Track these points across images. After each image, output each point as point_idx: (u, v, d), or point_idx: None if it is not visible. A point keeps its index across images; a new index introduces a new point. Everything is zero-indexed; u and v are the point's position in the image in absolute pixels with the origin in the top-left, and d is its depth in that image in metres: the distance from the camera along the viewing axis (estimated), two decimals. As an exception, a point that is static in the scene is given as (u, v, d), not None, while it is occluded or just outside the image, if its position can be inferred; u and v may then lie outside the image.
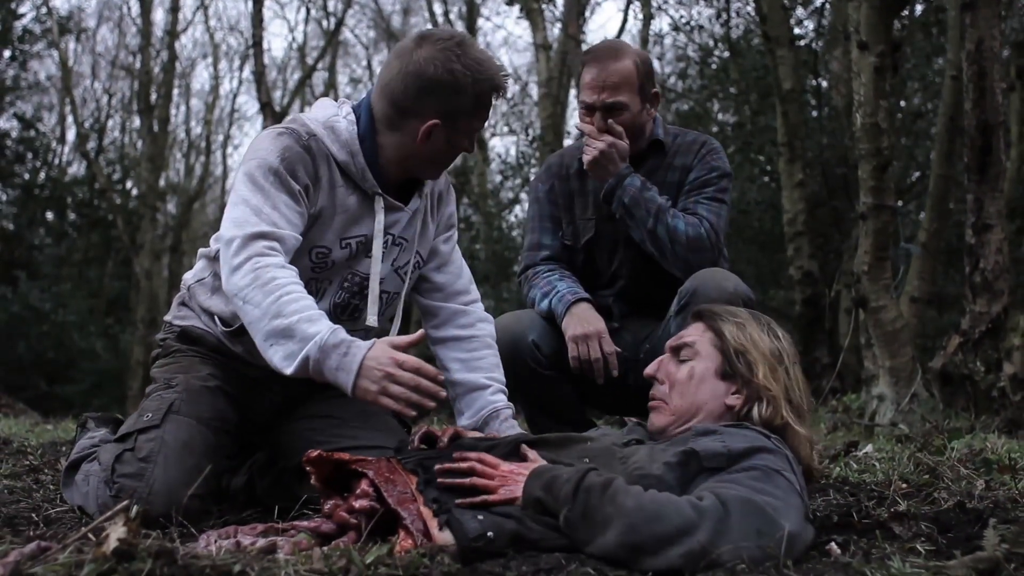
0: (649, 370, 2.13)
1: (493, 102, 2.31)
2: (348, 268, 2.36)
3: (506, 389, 2.56)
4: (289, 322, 2.03)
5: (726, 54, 12.78)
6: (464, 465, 1.81)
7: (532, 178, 3.24)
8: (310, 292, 2.30)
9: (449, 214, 2.60)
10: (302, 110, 22.08)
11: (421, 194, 2.44)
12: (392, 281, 2.45)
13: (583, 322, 2.83)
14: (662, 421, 2.05)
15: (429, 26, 20.74)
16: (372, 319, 2.35)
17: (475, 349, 2.56)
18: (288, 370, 2.04)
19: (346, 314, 2.39)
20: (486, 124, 2.41)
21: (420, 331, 2.10)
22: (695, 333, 2.11)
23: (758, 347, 2.03)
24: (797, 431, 1.97)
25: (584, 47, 13.18)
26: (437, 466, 1.82)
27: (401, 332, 2.51)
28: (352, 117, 2.33)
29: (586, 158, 2.87)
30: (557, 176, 3.09)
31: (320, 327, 2.03)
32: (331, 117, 2.32)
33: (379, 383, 1.99)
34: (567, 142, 13.57)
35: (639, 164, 2.96)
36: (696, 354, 2.07)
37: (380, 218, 2.34)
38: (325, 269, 2.33)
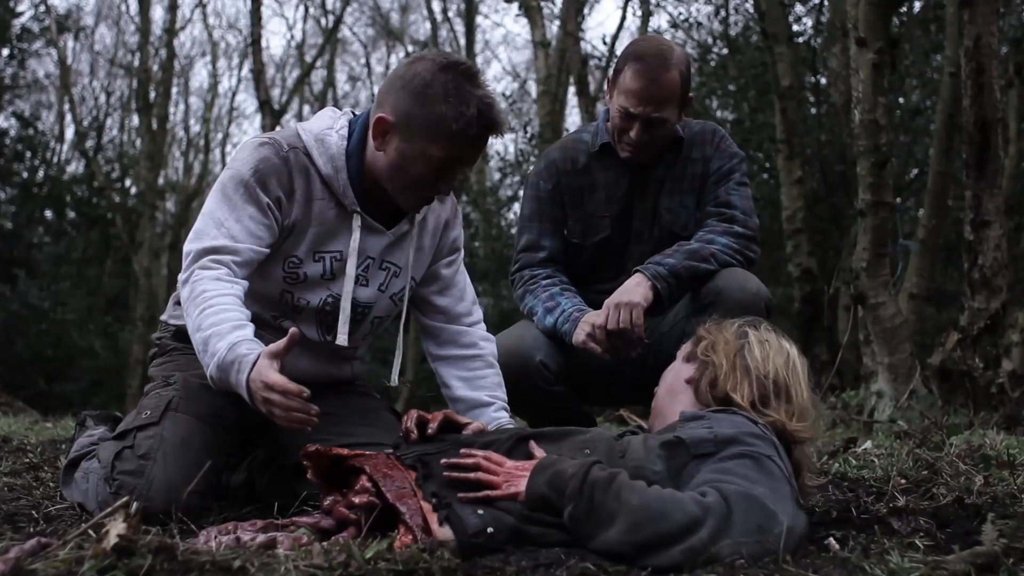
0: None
1: (458, 139, 2.16)
2: (326, 289, 2.35)
3: (508, 407, 2.55)
4: (205, 336, 2.07)
5: (725, 51, 12.79)
6: (470, 461, 1.81)
7: (531, 174, 3.08)
8: (286, 309, 2.34)
9: (454, 239, 2.58)
10: (300, 108, 22.14)
11: (411, 221, 2.42)
12: (384, 306, 2.45)
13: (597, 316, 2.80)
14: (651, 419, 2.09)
15: (428, 25, 20.75)
16: (342, 338, 2.34)
17: (477, 368, 2.55)
18: (213, 386, 2.10)
19: (331, 334, 2.38)
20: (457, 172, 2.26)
21: (292, 330, 2.03)
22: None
23: (721, 330, 2.10)
24: (738, 401, 2.00)
25: (583, 45, 13.20)
26: (443, 460, 1.82)
27: (397, 330, 2.52)
28: (344, 132, 2.32)
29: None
30: (562, 172, 2.99)
31: (221, 344, 2.03)
32: (324, 130, 2.32)
33: (264, 406, 2.00)
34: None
35: (659, 159, 2.95)
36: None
37: (356, 236, 2.32)
38: (298, 282, 2.33)
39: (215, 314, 2.08)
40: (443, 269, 2.57)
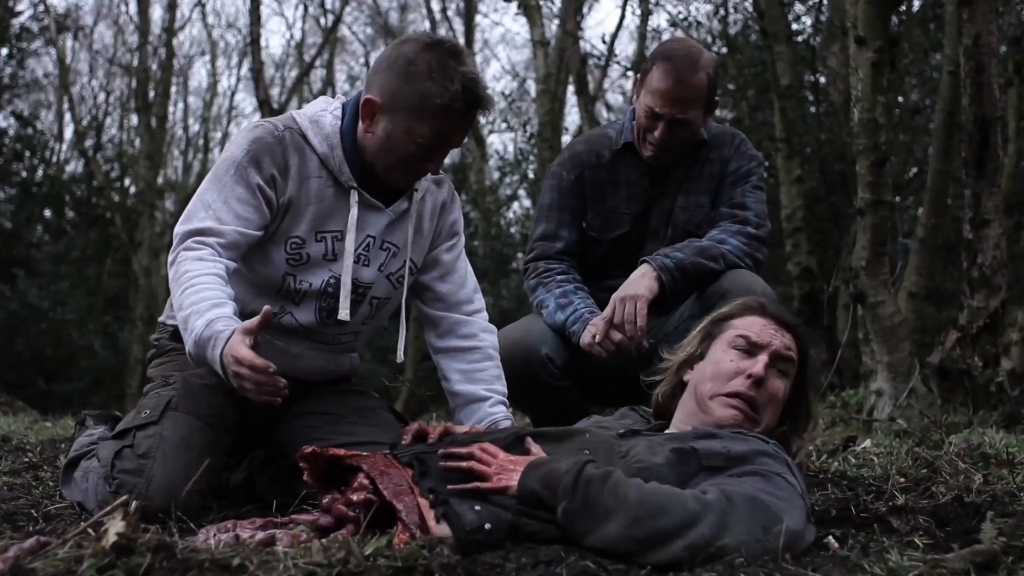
0: (760, 371, 2.02)
1: (446, 115, 2.19)
2: (328, 270, 2.36)
3: (507, 400, 2.55)
4: (185, 315, 2.10)
5: (724, 50, 12.77)
6: (464, 451, 1.82)
7: (553, 164, 3.14)
8: (289, 292, 2.35)
9: (452, 222, 2.59)
10: (300, 107, 22.02)
11: (410, 199, 2.43)
12: (382, 287, 2.45)
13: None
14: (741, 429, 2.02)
15: (427, 23, 20.74)
16: (344, 313, 2.36)
17: (476, 360, 2.56)
18: (192, 363, 2.14)
19: (332, 319, 2.40)
20: (445, 149, 2.28)
21: (265, 308, 2.04)
22: (794, 349, 2.10)
23: (815, 379, 2.13)
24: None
25: (583, 44, 13.19)
26: (440, 450, 1.83)
27: (396, 329, 2.52)
28: (338, 112, 2.36)
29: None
30: (587, 165, 3.01)
31: (200, 321, 2.06)
32: (318, 111, 2.36)
33: (235, 380, 2.02)
34: (565, 139, 13.56)
35: (681, 161, 2.96)
36: (790, 374, 2.09)
37: (354, 212, 2.34)
38: (301, 263, 2.34)
39: (195, 292, 2.10)
40: (443, 254, 2.58)
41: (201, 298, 2.09)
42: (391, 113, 2.23)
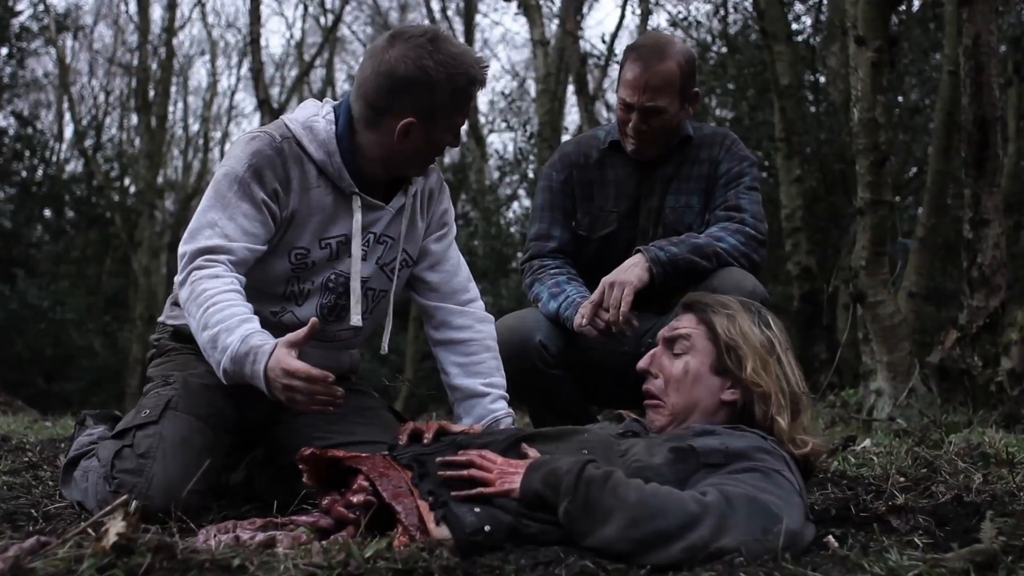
0: (642, 364, 2.11)
1: (473, 95, 2.32)
2: (331, 268, 2.37)
3: (507, 394, 2.55)
4: (212, 333, 2.08)
5: (724, 50, 12.78)
6: (463, 459, 1.82)
7: (545, 166, 3.20)
8: (292, 295, 2.36)
9: (442, 212, 2.60)
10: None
11: (406, 192, 2.44)
12: (378, 279, 2.46)
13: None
14: (661, 422, 2.04)
15: (426, 23, 20.73)
16: (356, 319, 2.37)
17: (474, 353, 2.56)
18: (224, 380, 2.12)
19: (333, 315, 2.40)
20: (476, 116, 2.42)
21: (312, 320, 2.06)
22: (688, 325, 2.08)
23: (748, 340, 2.01)
24: (783, 427, 1.96)
25: (582, 43, 13.19)
26: (439, 459, 1.82)
27: (397, 329, 2.52)
28: (331, 117, 2.35)
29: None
30: (575, 165, 3.04)
31: (232, 338, 2.06)
32: (311, 117, 2.34)
33: (283, 393, 2.02)
34: (564, 138, 13.56)
35: (667, 158, 2.97)
36: (691, 348, 2.05)
37: (358, 217, 2.35)
38: (305, 269, 2.35)
39: (220, 311, 2.09)
40: (432, 244, 2.58)
41: (228, 315, 2.08)
42: (431, 122, 2.26)
